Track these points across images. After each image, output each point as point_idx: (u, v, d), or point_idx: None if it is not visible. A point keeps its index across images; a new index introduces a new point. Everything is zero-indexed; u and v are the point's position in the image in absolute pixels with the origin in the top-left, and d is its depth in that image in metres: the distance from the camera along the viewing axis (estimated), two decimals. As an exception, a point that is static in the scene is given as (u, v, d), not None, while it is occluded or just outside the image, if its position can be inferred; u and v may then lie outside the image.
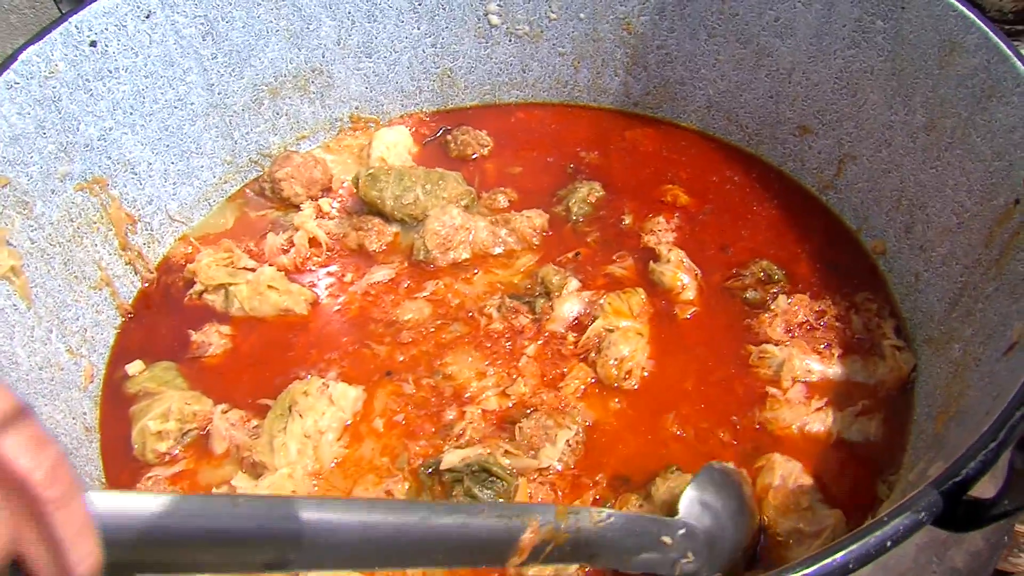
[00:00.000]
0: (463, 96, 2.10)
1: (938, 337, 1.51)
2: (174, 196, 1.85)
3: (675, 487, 1.36)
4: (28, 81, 1.55)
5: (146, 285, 1.79)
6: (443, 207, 1.78)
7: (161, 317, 1.75)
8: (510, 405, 1.54)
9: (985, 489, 0.97)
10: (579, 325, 1.63)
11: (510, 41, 2.01)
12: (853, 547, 0.91)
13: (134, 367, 1.65)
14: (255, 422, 1.54)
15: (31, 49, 1.56)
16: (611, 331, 1.60)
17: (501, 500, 1.39)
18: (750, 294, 1.66)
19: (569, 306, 1.65)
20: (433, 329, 1.66)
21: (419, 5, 1.94)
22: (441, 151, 2.02)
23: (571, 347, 1.61)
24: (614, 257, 1.75)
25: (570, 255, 1.76)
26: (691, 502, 1.31)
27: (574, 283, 1.68)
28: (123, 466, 1.53)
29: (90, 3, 1.62)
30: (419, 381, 1.59)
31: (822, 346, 1.57)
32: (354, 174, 1.86)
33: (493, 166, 1.97)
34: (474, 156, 1.99)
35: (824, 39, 1.72)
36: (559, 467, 1.44)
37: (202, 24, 1.78)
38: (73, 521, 0.71)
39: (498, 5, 1.96)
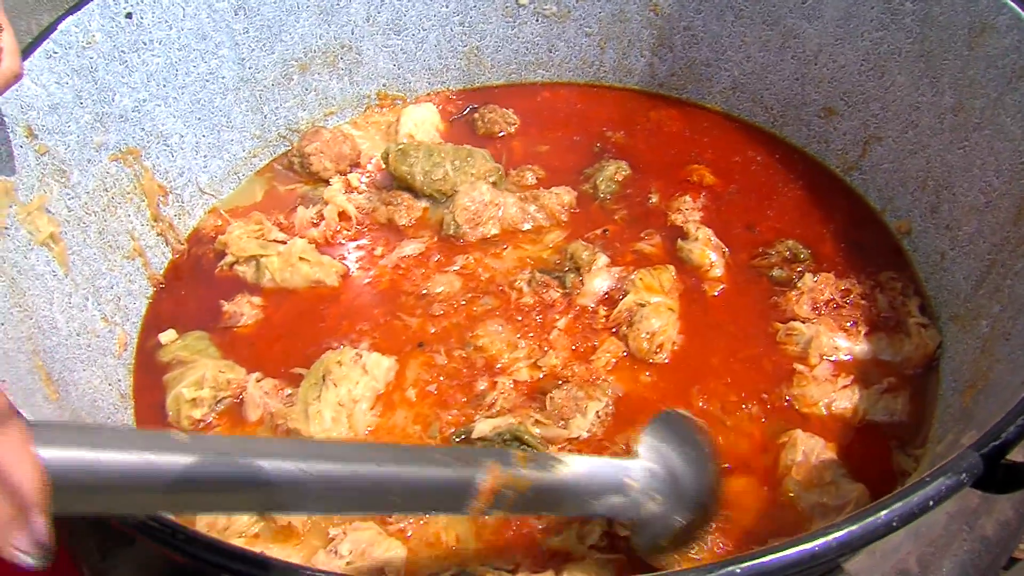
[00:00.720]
0: (490, 75, 2.12)
1: (964, 314, 1.53)
2: (205, 169, 1.87)
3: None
4: (66, 51, 1.57)
5: (176, 256, 1.81)
6: (472, 183, 1.80)
7: (192, 288, 1.77)
8: (541, 376, 1.56)
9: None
10: (609, 300, 1.65)
11: (537, 21, 2.03)
12: (897, 505, 0.93)
13: (167, 336, 1.67)
14: (288, 391, 1.56)
15: (69, 19, 1.57)
16: (642, 306, 1.61)
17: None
18: (776, 272, 1.68)
19: (599, 281, 1.67)
20: (464, 302, 1.68)
21: (448, -16, 1.97)
22: (468, 129, 2.04)
23: (602, 321, 1.63)
24: (642, 235, 1.77)
25: (598, 232, 1.78)
26: (649, 447, 1.31)
27: (603, 259, 1.70)
28: (157, 433, 1.55)
29: (127, -25, 1.64)
30: (451, 352, 1.60)
31: (848, 324, 1.59)
32: (383, 149, 1.88)
33: (520, 144, 1.99)
34: (501, 134, 2.01)
35: (852, 21, 1.73)
36: (586, 435, 1.47)
37: (235, -1, 1.80)
38: (9, 444, 0.74)
39: (526, -16, 1.98)
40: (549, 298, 1.66)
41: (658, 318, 1.60)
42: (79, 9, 1.59)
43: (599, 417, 1.48)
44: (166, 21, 1.71)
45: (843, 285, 1.64)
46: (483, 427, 1.46)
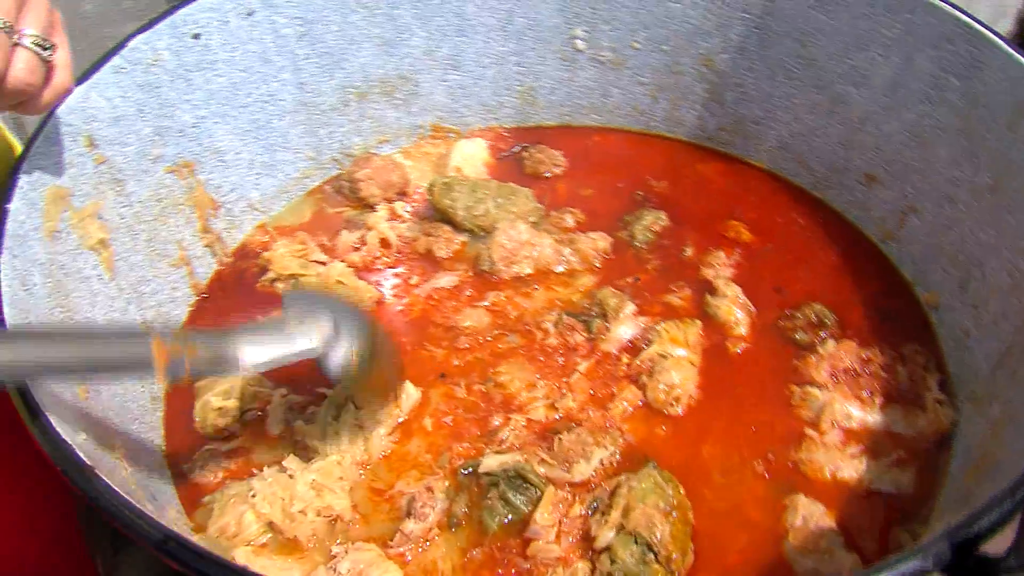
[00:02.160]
0: (543, 115, 2.16)
1: (981, 395, 1.53)
2: (257, 186, 1.94)
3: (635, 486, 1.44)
4: (133, 67, 1.65)
5: (221, 268, 1.88)
6: (512, 221, 1.84)
7: (232, 300, 1.83)
8: (557, 417, 1.58)
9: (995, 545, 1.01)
10: (632, 348, 1.68)
11: (593, 66, 2.07)
12: (857, 587, 0.95)
13: (203, 344, 1.73)
14: (311, 409, 1.61)
15: (139, 37, 1.66)
16: (664, 357, 1.64)
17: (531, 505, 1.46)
18: (799, 335, 1.69)
19: (624, 329, 1.70)
20: (490, 338, 1.72)
21: (508, 24, 2.01)
22: (516, 167, 2.08)
23: (624, 368, 1.65)
24: (672, 286, 1.79)
25: (629, 280, 1.81)
26: (296, 307, 1.46)
27: (631, 307, 1.73)
28: (183, 436, 1.61)
29: (197, -2, 1.72)
30: (471, 386, 1.64)
31: (864, 393, 1.59)
32: (430, 181, 1.93)
33: (564, 186, 2.02)
34: (547, 175, 2.04)
35: (899, 91, 1.74)
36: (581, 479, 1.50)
37: (299, 25, 1.87)
38: None
39: (584, 31, 2.02)
40: (573, 341, 1.69)
41: (679, 371, 1.62)
42: (149, 28, 1.67)
43: (603, 464, 1.51)
44: (231, 43, 1.79)
45: (864, 354, 1.64)
46: (490, 462, 1.50)
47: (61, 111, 1.54)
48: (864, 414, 1.57)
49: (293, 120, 1.95)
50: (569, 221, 1.93)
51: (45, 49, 1.26)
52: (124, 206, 1.65)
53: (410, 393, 1.61)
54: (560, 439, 1.52)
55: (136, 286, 1.67)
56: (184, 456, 1.58)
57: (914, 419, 1.56)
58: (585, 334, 1.70)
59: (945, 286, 1.70)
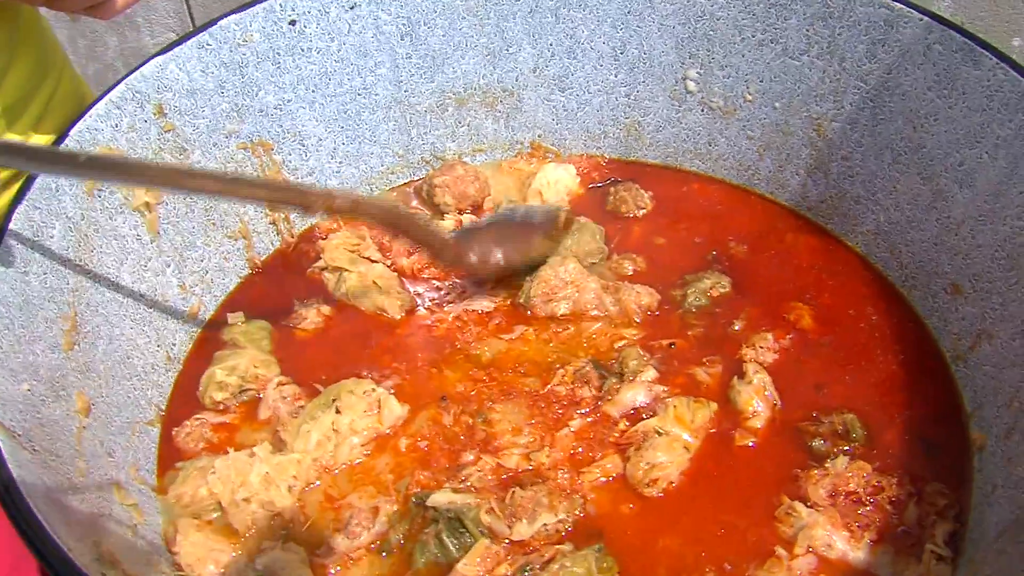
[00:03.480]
0: (646, 151, 2.06)
1: (978, 562, 1.34)
2: (337, 173, 1.98)
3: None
4: (220, 45, 1.72)
5: (283, 246, 1.94)
6: (563, 259, 1.77)
7: (285, 279, 1.89)
8: (529, 468, 1.53)
9: None
10: (636, 416, 1.59)
11: (702, 111, 1.95)
12: None
13: (235, 317, 1.80)
14: (302, 402, 1.64)
15: (231, 18, 1.73)
16: (660, 434, 1.54)
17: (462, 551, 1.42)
18: (817, 443, 1.54)
19: (633, 394, 1.61)
20: (501, 373, 1.68)
21: (621, 54, 1.94)
22: (601, 200, 2.00)
23: (616, 435, 1.57)
24: (705, 359, 1.67)
25: (664, 343, 1.70)
26: None
27: (651, 373, 1.64)
28: (185, 402, 1.69)
29: (298, -14, 1.77)
30: (460, 416, 1.62)
31: (857, 524, 1.43)
32: (497, 202, 1.90)
33: (640, 230, 1.93)
34: (628, 215, 1.95)
35: (1000, 200, 1.54)
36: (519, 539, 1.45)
37: (404, 24, 1.87)
38: None
39: (698, 73, 1.91)
40: (579, 395, 1.62)
41: (667, 453, 1.52)
42: (243, 10, 1.73)
43: (547, 529, 1.44)
44: (329, 33, 1.82)
45: (878, 481, 1.47)
46: (439, 498, 1.48)
47: (133, 78, 1.64)
48: (848, 547, 1.42)
49: (386, 116, 1.97)
50: (628, 268, 1.84)
51: None
52: (184, 174, 1.73)
53: (393, 409, 1.60)
54: (515, 492, 1.47)
55: (180, 250, 1.75)
56: (178, 420, 1.65)
57: (903, 568, 1.39)
58: (594, 391, 1.63)
59: (993, 429, 1.50)
